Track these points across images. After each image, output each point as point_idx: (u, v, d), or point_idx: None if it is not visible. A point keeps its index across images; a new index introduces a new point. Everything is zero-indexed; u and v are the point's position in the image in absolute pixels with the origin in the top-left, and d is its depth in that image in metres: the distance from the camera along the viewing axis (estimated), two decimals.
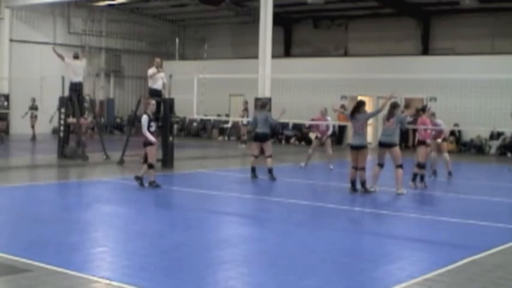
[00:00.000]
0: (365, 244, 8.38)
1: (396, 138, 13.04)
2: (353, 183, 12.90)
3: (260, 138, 14.86)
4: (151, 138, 12.78)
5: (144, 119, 12.85)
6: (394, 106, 13.03)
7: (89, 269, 6.63)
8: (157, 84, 17.03)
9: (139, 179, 12.87)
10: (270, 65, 21.93)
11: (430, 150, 14.84)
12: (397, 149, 12.88)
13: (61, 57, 18.62)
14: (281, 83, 22.07)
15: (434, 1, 27.07)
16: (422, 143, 14.08)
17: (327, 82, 23.34)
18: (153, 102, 13.45)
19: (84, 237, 8.29)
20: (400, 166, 12.77)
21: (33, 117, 26.07)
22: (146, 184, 12.87)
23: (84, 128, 21.64)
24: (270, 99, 21.06)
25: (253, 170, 14.95)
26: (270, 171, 14.63)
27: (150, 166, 12.92)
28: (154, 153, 13.08)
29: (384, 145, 12.89)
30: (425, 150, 14.09)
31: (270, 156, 14.76)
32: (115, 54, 33.48)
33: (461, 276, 6.78)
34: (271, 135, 15.93)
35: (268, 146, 14.85)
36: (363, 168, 12.74)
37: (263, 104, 15.42)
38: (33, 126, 26.04)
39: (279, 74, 23.44)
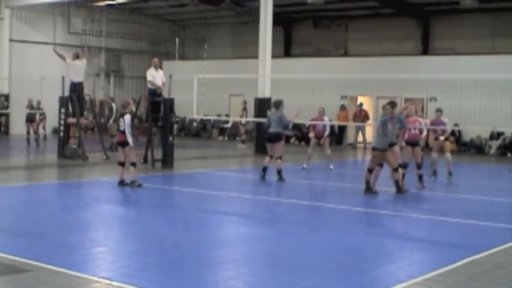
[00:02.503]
0: (365, 244, 8.38)
1: (395, 138, 13.09)
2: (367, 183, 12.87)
3: (272, 139, 14.61)
4: (131, 140, 12.87)
5: (129, 118, 12.84)
6: (392, 106, 13.03)
7: (89, 269, 6.63)
8: (156, 84, 17.07)
9: (134, 182, 12.86)
10: (270, 65, 21.92)
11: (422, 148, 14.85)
12: (396, 148, 12.92)
13: (62, 57, 18.63)
14: (281, 83, 22.07)
15: (434, 1, 27.05)
16: (408, 143, 14.06)
17: (327, 82, 23.36)
18: (131, 102, 13.63)
19: (84, 237, 8.29)
20: (399, 166, 12.81)
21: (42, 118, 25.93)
22: (142, 184, 12.88)
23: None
24: (269, 99, 21.04)
25: (264, 169, 14.70)
26: (279, 172, 14.51)
27: (134, 164, 13.00)
28: (134, 153, 13.22)
29: None
30: (410, 149, 14.06)
31: (280, 158, 14.61)
32: (115, 54, 33.48)
33: (461, 276, 6.78)
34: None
35: (279, 147, 14.63)
36: (369, 170, 12.78)
37: (276, 104, 14.94)
38: (43, 127, 25.91)
39: (279, 74, 23.43)
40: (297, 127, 28.48)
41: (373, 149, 12.84)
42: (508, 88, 20.39)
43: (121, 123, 12.89)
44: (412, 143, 14.00)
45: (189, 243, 8.04)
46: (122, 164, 13.05)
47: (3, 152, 21.70)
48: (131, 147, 13.01)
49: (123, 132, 12.82)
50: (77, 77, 18.18)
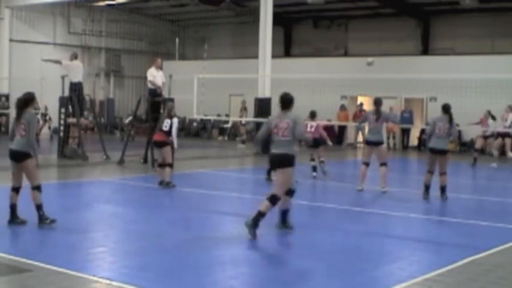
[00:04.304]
0: (365, 244, 8.37)
1: (383, 137, 13.18)
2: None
3: None
4: (176, 142, 12.95)
5: (176, 121, 12.94)
6: (379, 103, 13.04)
7: (89, 269, 6.64)
8: (157, 84, 17.05)
9: (168, 183, 12.88)
10: (270, 65, 21.92)
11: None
12: (384, 147, 12.98)
13: (57, 62, 18.65)
14: (281, 83, 22.04)
15: (434, 1, 27.06)
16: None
17: (327, 82, 23.36)
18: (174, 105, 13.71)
19: (84, 237, 8.29)
20: (385, 164, 12.83)
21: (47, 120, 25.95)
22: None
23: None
24: (270, 99, 21.06)
25: (268, 172, 14.48)
26: None
27: (171, 166, 13.03)
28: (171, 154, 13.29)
29: (371, 143, 12.92)
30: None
31: None
32: (115, 54, 33.49)
33: (461, 276, 6.78)
34: None
35: None
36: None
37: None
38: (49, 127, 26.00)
39: (279, 74, 23.43)
40: None
41: (444, 152, 12.08)
42: (508, 88, 20.38)
43: (165, 124, 12.88)
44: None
45: (189, 243, 8.03)
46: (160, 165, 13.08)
47: (4, 152, 21.66)
48: (169, 147, 13.04)
49: (166, 133, 12.85)
50: (76, 77, 18.17)
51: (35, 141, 8.82)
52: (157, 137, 13.11)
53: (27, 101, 8.81)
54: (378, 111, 12.93)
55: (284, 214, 8.74)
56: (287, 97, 8.68)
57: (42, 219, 8.62)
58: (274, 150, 8.40)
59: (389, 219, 10.60)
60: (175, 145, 13.01)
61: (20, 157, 8.66)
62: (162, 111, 17.06)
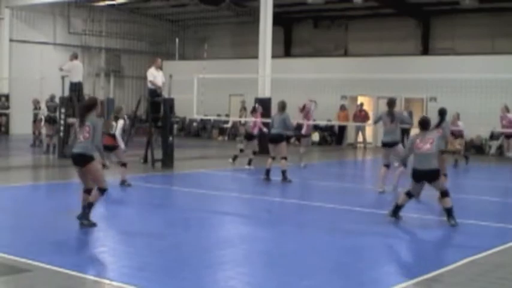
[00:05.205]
0: (365, 244, 8.38)
1: (398, 137, 13.03)
2: None
3: (274, 140, 14.49)
4: (122, 144, 13.07)
5: (121, 123, 12.98)
6: (393, 105, 12.97)
7: (89, 269, 6.64)
8: (157, 84, 17.05)
9: (124, 181, 12.96)
10: (270, 65, 21.91)
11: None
12: (400, 146, 12.88)
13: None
14: (281, 83, 22.07)
15: (434, 1, 27.05)
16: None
17: (327, 82, 23.35)
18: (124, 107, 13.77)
19: (84, 237, 8.30)
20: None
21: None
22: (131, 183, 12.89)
23: None
24: (270, 99, 21.06)
25: (267, 172, 14.54)
26: (284, 173, 14.36)
27: (125, 165, 13.11)
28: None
29: (388, 145, 12.83)
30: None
31: (285, 158, 14.48)
32: (115, 54, 33.48)
33: (461, 276, 6.79)
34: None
35: (283, 147, 14.49)
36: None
37: (282, 106, 14.66)
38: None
39: (279, 74, 23.42)
40: (298, 127, 28.43)
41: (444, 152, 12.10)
42: (508, 88, 20.38)
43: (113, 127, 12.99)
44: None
45: (189, 243, 8.04)
46: (124, 165, 13.10)
47: (4, 152, 21.69)
48: (124, 150, 13.13)
49: (114, 136, 12.91)
50: (76, 77, 18.19)
51: (100, 144, 8.84)
52: (105, 141, 12.98)
53: (91, 105, 8.87)
54: (391, 113, 12.83)
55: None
56: (426, 120, 10.03)
57: (84, 217, 8.62)
58: (418, 165, 9.58)
59: (388, 219, 10.59)
60: (122, 146, 13.00)
61: (83, 161, 8.60)
62: (161, 111, 17.15)
